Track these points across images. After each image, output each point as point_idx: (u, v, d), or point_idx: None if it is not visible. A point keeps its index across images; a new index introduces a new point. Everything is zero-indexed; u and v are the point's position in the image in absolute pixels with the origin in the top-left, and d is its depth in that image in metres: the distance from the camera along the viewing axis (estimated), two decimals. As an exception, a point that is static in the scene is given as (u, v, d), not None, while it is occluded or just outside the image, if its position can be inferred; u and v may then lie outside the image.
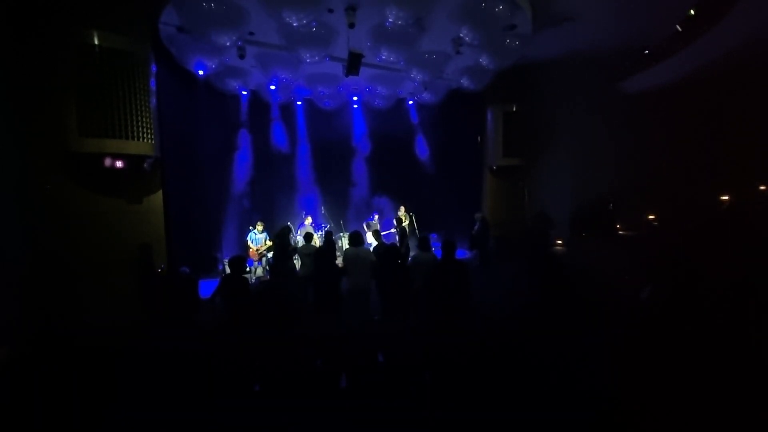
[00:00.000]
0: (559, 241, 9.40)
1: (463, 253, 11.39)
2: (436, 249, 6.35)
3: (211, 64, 7.52)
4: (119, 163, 5.60)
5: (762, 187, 8.68)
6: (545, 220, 9.35)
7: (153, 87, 6.05)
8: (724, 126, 9.14)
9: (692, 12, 8.13)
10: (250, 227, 9.31)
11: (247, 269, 7.75)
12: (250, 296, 4.86)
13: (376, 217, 10.84)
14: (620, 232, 9.00)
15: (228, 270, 5.33)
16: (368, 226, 10.44)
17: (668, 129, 9.81)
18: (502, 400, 3.53)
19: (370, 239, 10.00)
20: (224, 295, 4.77)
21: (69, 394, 3.96)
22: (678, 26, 8.55)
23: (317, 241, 9.15)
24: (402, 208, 11.01)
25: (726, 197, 8.72)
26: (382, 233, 9.82)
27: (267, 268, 8.83)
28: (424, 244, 5.77)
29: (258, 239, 8.95)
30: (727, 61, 8.49)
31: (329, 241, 6.61)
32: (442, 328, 4.40)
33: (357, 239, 5.65)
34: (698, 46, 8.50)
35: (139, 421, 3.61)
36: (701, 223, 7.40)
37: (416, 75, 8.24)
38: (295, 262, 7.48)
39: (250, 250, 8.90)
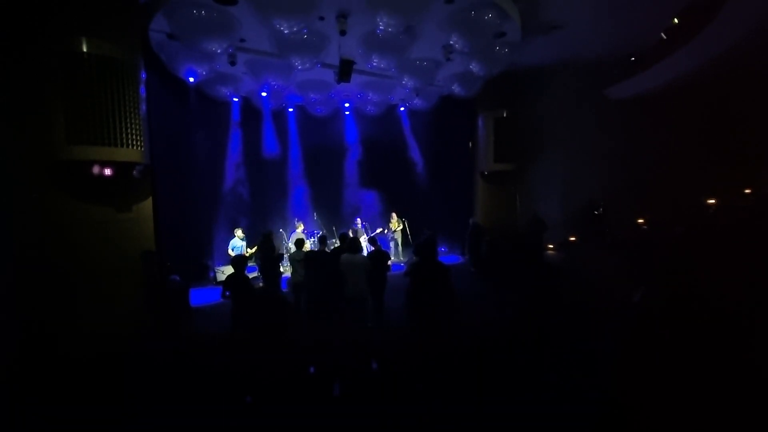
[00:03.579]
0: (550, 246, 9.47)
1: (456, 258, 11.44)
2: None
3: (202, 71, 7.49)
4: (108, 171, 5.50)
5: (748, 191, 8.85)
6: (539, 224, 9.43)
7: (143, 94, 5.99)
8: (711, 130, 9.32)
9: (676, 20, 8.34)
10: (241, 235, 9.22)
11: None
12: (254, 295, 4.85)
13: (359, 221, 10.83)
14: (610, 236, 9.09)
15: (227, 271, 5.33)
16: (355, 233, 10.44)
17: (656, 134, 9.98)
18: (497, 406, 3.51)
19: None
20: (231, 292, 4.75)
21: (60, 402, 3.88)
22: (663, 34, 8.75)
23: (308, 247, 9.09)
24: (393, 215, 11.02)
25: (714, 201, 8.88)
26: (372, 234, 9.83)
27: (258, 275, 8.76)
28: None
29: (238, 247, 8.80)
30: (711, 67, 8.70)
31: (324, 245, 6.55)
32: (426, 332, 4.37)
33: (353, 246, 5.58)
34: (683, 53, 8.70)
35: (132, 427, 3.55)
36: (691, 227, 7.52)
37: (407, 82, 8.31)
38: (285, 268, 7.39)
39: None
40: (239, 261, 5.08)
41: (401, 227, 10.95)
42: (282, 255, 6.79)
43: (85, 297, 5.37)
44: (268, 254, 6.86)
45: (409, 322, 4.98)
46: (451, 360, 4.20)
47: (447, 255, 11.97)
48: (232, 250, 8.68)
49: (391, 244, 10.91)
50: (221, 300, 4.93)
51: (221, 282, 4.89)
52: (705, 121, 9.34)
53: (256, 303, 4.50)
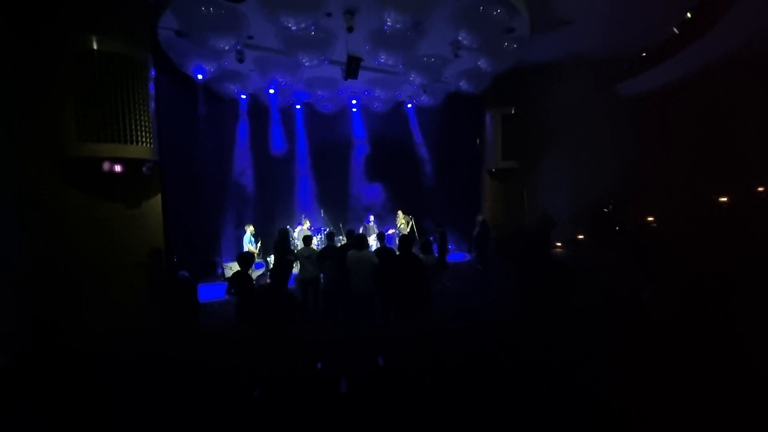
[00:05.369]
0: (559, 243, 9.40)
1: (463, 256, 11.41)
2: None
3: (210, 68, 7.53)
4: (118, 168, 5.57)
5: (760, 188, 8.70)
6: (546, 221, 9.36)
7: (152, 91, 6.04)
8: (722, 127, 9.17)
9: (689, 15, 8.18)
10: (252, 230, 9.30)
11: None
12: (255, 293, 4.92)
13: (372, 218, 10.82)
14: (619, 234, 9.00)
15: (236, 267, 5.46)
16: (366, 229, 10.42)
17: (666, 131, 9.84)
18: (502, 403, 3.50)
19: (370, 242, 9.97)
20: (235, 289, 4.82)
21: (69, 401, 3.93)
22: (675, 29, 8.59)
23: (315, 243, 9.11)
24: (399, 212, 10.98)
25: (725, 198, 8.74)
26: (384, 232, 9.81)
27: (267, 271, 8.83)
28: (426, 248, 5.78)
29: (254, 242, 8.90)
30: (724, 63, 8.53)
31: (332, 241, 6.57)
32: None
33: (360, 242, 5.60)
34: (695, 49, 8.54)
35: (139, 427, 3.59)
36: (701, 225, 7.41)
37: (415, 78, 8.27)
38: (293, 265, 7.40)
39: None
40: (246, 258, 5.13)
41: (408, 224, 10.92)
42: (294, 253, 6.82)
43: (94, 293, 5.44)
44: (283, 251, 6.92)
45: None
46: (453, 358, 4.19)
47: (454, 252, 11.94)
48: (251, 244, 8.78)
49: (397, 241, 10.89)
50: (227, 297, 4.99)
51: (228, 278, 4.95)
52: (718, 117, 9.19)
53: (264, 300, 4.53)
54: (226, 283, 5.08)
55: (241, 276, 4.99)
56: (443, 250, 8.47)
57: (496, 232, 10.18)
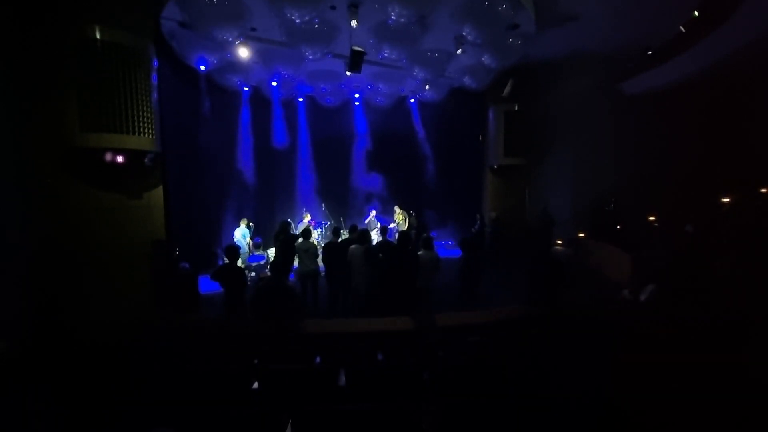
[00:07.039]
0: (559, 241, 9.39)
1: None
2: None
3: (213, 60, 7.50)
4: (120, 158, 5.58)
5: (764, 189, 8.66)
6: (547, 219, 9.35)
7: (154, 82, 6.03)
8: (728, 127, 9.11)
9: (696, 13, 8.10)
10: (246, 223, 9.35)
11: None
12: (247, 287, 4.99)
13: (373, 212, 10.82)
14: (620, 233, 8.99)
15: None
16: (368, 224, 10.44)
17: (670, 129, 9.78)
18: (502, 400, 3.52)
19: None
20: (222, 283, 4.86)
21: (69, 389, 3.96)
22: (682, 27, 8.52)
23: (315, 237, 9.14)
24: (396, 208, 10.95)
25: (728, 198, 8.71)
26: (381, 226, 9.83)
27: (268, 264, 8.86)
28: (426, 243, 5.80)
29: (246, 234, 9.00)
30: (731, 62, 8.46)
31: (337, 237, 6.59)
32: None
33: (363, 237, 5.66)
34: (702, 48, 8.47)
35: (139, 417, 3.61)
36: (703, 224, 7.40)
37: (418, 73, 8.23)
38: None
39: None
40: (234, 250, 5.20)
41: (405, 220, 10.91)
42: (295, 247, 6.86)
43: (96, 283, 5.48)
44: (286, 243, 6.95)
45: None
46: (450, 354, 4.21)
47: (453, 248, 11.95)
48: (243, 237, 8.84)
49: (396, 236, 10.88)
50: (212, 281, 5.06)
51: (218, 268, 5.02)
52: (723, 117, 9.13)
53: (263, 293, 4.56)
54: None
55: (230, 268, 5.00)
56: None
57: (495, 227, 10.15)
